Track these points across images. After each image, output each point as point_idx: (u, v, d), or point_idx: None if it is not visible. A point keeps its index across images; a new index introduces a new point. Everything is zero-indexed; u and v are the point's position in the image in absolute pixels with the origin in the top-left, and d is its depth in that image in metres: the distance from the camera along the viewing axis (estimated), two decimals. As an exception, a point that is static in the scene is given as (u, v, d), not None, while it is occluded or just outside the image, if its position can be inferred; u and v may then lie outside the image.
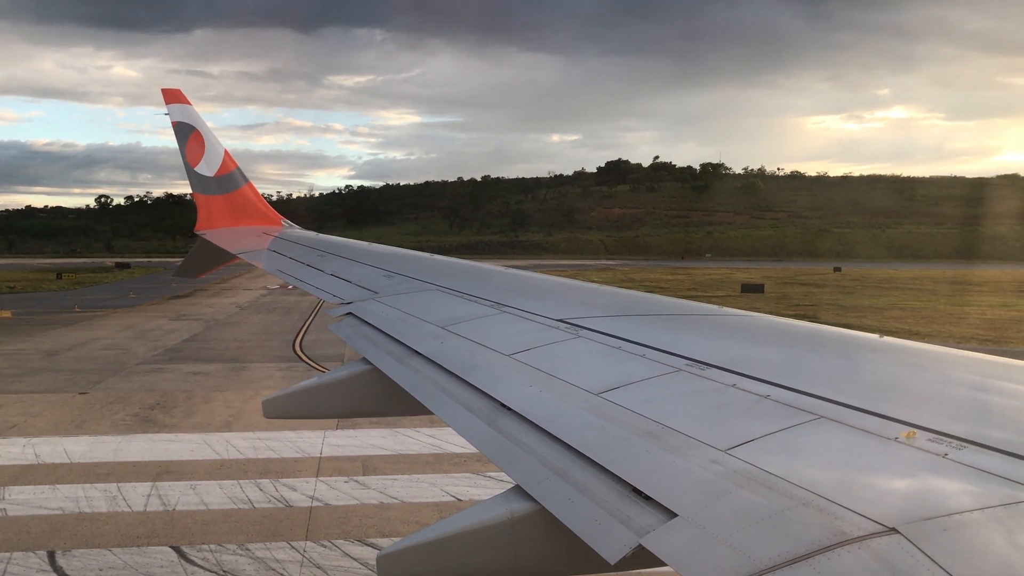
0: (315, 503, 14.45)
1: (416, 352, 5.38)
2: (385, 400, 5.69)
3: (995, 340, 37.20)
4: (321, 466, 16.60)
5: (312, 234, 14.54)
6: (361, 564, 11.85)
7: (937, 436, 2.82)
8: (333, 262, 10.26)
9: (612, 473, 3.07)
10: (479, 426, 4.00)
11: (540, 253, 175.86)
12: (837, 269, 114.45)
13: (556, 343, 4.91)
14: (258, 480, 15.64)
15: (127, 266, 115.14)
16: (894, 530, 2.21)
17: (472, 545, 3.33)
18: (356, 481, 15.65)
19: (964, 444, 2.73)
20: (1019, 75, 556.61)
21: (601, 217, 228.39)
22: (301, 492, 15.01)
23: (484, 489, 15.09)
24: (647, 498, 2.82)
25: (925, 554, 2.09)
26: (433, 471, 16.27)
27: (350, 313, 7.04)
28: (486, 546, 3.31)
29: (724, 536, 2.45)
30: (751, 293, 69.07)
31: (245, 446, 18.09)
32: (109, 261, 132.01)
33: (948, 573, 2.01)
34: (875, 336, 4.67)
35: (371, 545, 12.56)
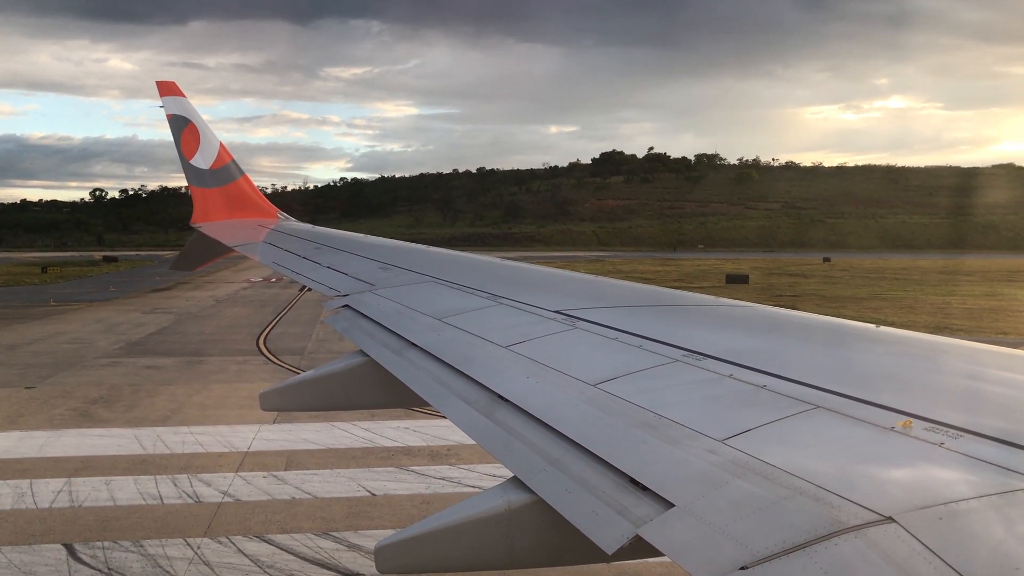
0: (226, 499, 14.16)
1: (413, 344, 5.39)
2: (382, 392, 5.73)
3: (967, 330, 36.97)
4: (245, 461, 16.29)
5: (308, 226, 14.50)
6: (251, 561, 11.56)
7: (933, 425, 2.82)
8: (329, 255, 10.30)
9: (609, 464, 3.08)
10: (476, 418, 4.01)
11: (532, 245, 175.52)
12: (826, 259, 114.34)
13: (553, 334, 4.92)
14: (176, 476, 15.34)
15: (114, 259, 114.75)
16: (890, 519, 2.22)
17: (469, 536, 3.34)
18: (275, 476, 15.35)
19: (960, 433, 2.73)
20: (1017, 64, 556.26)
21: (594, 208, 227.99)
22: (215, 487, 14.71)
23: (402, 483, 14.81)
24: (644, 488, 2.83)
25: (921, 543, 2.10)
26: (357, 465, 15.95)
27: (347, 305, 7.07)
28: (483, 537, 3.32)
29: (721, 526, 2.45)
30: (735, 284, 68.97)
31: (175, 441, 17.78)
32: (97, 255, 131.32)
33: (944, 561, 2.01)
34: (871, 326, 4.68)
35: (268, 541, 12.29)
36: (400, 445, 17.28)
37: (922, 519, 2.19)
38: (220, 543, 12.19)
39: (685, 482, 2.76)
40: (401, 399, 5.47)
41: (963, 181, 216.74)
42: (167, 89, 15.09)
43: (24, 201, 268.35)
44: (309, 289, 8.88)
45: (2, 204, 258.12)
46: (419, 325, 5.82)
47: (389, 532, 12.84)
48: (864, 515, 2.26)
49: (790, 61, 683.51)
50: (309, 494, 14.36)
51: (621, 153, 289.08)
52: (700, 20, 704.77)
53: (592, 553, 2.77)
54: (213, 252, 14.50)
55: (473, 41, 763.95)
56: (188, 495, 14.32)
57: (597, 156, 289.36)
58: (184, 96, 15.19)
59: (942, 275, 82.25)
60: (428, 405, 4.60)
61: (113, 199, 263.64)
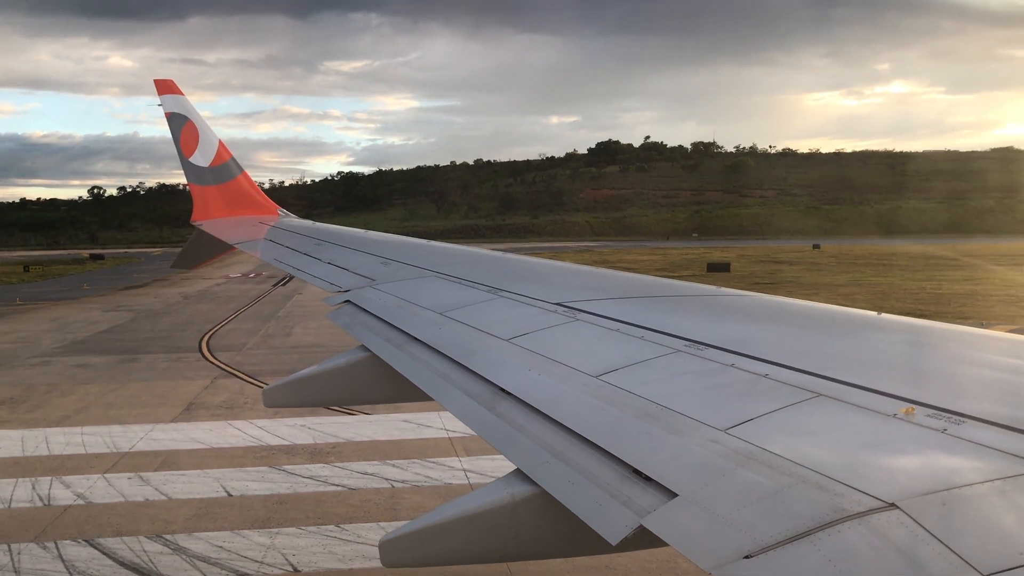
0: (77, 501, 13.64)
1: (414, 339, 5.43)
2: (384, 387, 5.80)
3: (931, 314, 36.37)
4: (120, 462, 15.73)
5: (308, 223, 14.52)
6: (65, 567, 11.07)
7: (936, 412, 2.83)
8: (330, 250, 10.31)
9: (612, 455, 3.08)
10: (478, 411, 4.02)
11: (526, 236, 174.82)
12: (816, 246, 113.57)
13: (554, 327, 4.94)
14: (39, 478, 14.77)
15: (101, 257, 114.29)
16: (894, 505, 2.22)
17: (473, 529, 3.36)
18: (140, 477, 14.83)
19: (963, 419, 2.74)
20: (1020, 47, 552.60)
21: (589, 198, 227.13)
22: (73, 490, 14.19)
23: (265, 484, 14.32)
24: (647, 479, 2.84)
25: (924, 528, 2.10)
26: (229, 465, 15.42)
27: (348, 301, 7.09)
28: (487, 530, 3.34)
29: (725, 515, 2.46)
30: (717, 272, 68.56)
31: (60, 442, 17.22)
32: (86, 253, 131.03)
33: (947, 547, 2.01)
34: (872, 313, 4.70)
35: (95, 546, 11.80)
36: (286, 443, 16.77)
37: (925, 505, 2.20)
38: (44, 548, 11.67)
39: (688, 472, 2.77)
40: (403, 394, 5.53)
41: (961, 165, 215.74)
42: (165, 87, 15.18)
43: (23, 200, 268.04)
44: (285, 283, 8.67)
45: (2, 203, 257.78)
46: (420, 319, 5.85)
47: (225, 534, 12.33)
48: (867, 502, 2.27)
49: (791, 47, 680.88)
50: (165, 495, 13.83)
51: (618, 143, 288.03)
52: (701, 7, 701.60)
53: (596, 544, 2.78)
54: (214, 250, 14.63)
55: (472, 32, 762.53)
56: (41, 498, 13.79)
57: (594, 146, 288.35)
58: (182, 94, 15.25)
59: (929, 260, 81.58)
60: (430, 399, 4.64)
61: (111, 196, 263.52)
